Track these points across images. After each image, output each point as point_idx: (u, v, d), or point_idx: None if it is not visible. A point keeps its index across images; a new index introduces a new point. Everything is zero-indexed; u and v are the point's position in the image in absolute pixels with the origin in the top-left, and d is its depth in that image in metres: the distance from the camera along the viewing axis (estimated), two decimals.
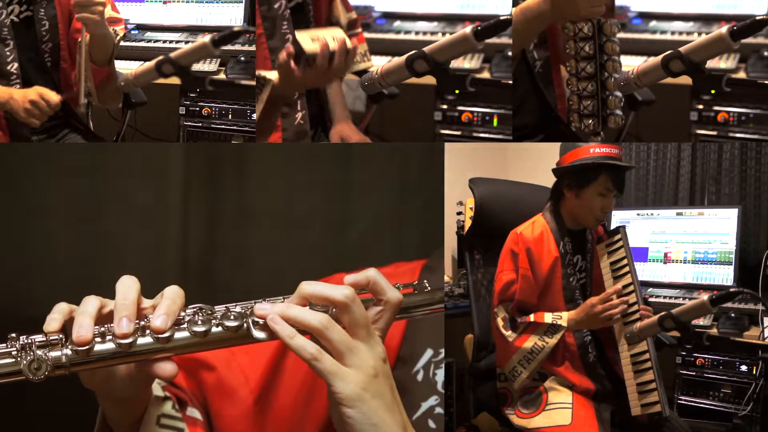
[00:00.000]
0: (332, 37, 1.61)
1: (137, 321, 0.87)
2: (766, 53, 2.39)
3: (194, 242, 1.77)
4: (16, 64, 2.04)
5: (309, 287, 0.91)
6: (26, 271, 1.72)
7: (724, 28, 1.61)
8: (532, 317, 1.92)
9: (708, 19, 2.59)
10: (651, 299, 2.94)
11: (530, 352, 1.90)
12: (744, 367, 2.67)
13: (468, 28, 1.58)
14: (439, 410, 1.13)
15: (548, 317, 1.90)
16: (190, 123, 2.84)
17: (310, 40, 1.60)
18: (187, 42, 2.93)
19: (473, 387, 2.19)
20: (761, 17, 1.61)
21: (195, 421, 1.07)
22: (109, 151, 1.97)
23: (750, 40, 2.18)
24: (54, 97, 1.96)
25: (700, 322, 2.74)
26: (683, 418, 2.65)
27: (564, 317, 1.89)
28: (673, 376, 2.79)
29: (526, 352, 1.90)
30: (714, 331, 2.74)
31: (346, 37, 1.62)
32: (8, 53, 2.03)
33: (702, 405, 2.75)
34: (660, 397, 1.82)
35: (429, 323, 1.16)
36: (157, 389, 1.04)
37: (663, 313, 1.84)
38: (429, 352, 1.16)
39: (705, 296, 1.80)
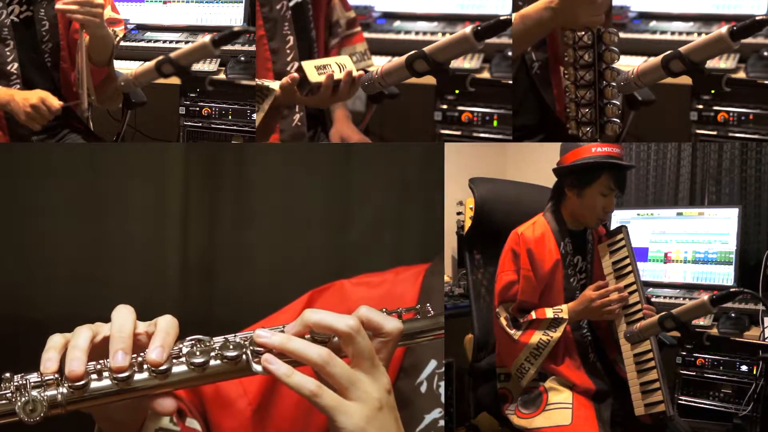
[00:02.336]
0: (339, 66, 1.62)
1: (134, 356, 0.84)
2: (766, 53, 2.39)
3: (194, 242, 1.77)
4: (16, 64, 2.03)
5: (313, 315, 0.88)
6: (26, 271, 1.71)
7: (724, 28, 1.61)
8: (533, 314, 1.92)
9: (708, 19, 2.58)
10: (651, 299, 2.94)
11: (536, 348, 1.91)
12: (744, 367, 2.66)
13: (468, 28, 1.58)
14: (441, 423, 1.13)
15: (549, 312, 1.91)
16: (190, 123, 2.84)
17: (315, 71, 1.61)
18: (187, 42, 2.92)
19: (473, 387, 2.19)
20: (761, 17, 1.61)
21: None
22: (109, 151, 1.97)
23: (750, 40, 2.18)
24: (55, 102, 1.96)
25: (701, 322, 2.74)
26: (683, 418, 2.65)
27: (565, 309, 1.90)
28: (673, 376, 2.79)
29: (532, 348, 1.91)
30: (714, 331, 2.74)
31: (353, 68, 1.64)
32: (8, 53, 2.03)
33: (702, 405, 2.75)
34: (664, 396, 1.82)
35: None
36: None
37: (663, 313, 1.84)
38: (433, 363, 1.15)
39: (705, 296, 1.80)
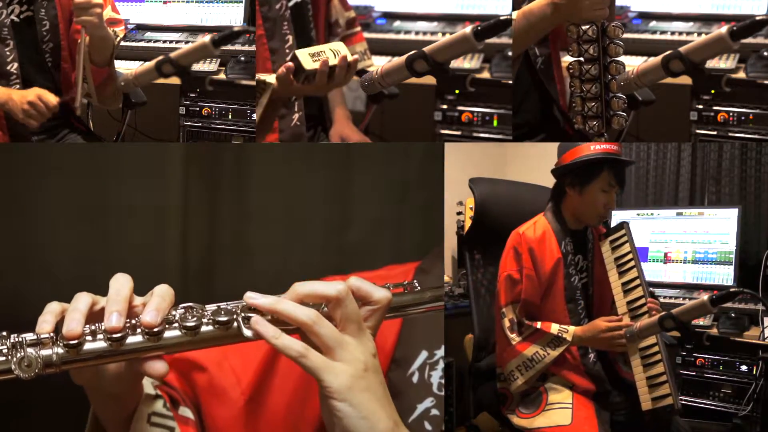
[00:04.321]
0: (333, 52, 1.62)
1: (128, 319, 0.87)
2: (765, 53, 2.39)
3: (194, 242, 1.77)
4: (16, 64, 2.04)
5: (302, 287, 0.92)
6: (26, 271, 1.71)
7: (724, 28, 1.61)
8: (539, 324, 1.92)
9: (708, 19, 2.59)
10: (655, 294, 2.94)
11: (530, 360, 1.90)
12: (744, 367, 2.67)
13: (468, 28, 1.58)
14: (435, 412, 1.13)
15: (554, 328, 1.90)
16: (190, 123, 2.84)
17: (310, 58, 1.61)
18: (187, 42, 2.93)
19: (473, 387, 2.19)
20: (761, 17, 1.61)
21: (187, 420, 1.07)
22: (109, 151, 1.97)
23: (750, 40, 2.18)
24: (52, 99, 1.96)
25: (700, 322, 2.74)
26: (683, 418, 2.65)
27: (570, 332, 1.89)
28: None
29: (525, 359, 1.91)
30: (714, 331, 2.74)
31: (348, 53, 1.63)
32: (8, 53, 2.03)
33: (702, 405, 2.75)
34: (671, 389, 1.81)
35: (424, 325, 1.16)
36: (148, 387, 1.04)
37: (663, 313, 1.84)
38: (424, 354, 1.16)
39: (705, 296, 1.80)
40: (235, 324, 0.89)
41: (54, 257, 1.71)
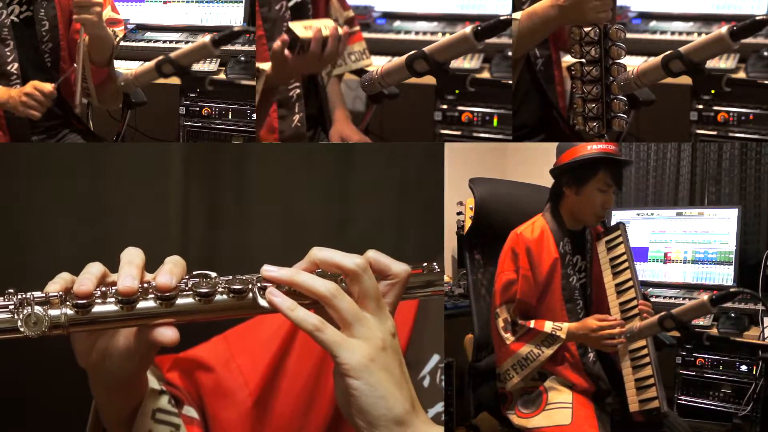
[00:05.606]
0: (324, 25, 1.63)
1: (140, 284, 0.84)
2: (766, 53, 2.39)
3: (194, 242, 1.77)
4: (16, 64, 2.04)
5: (320, 253, 0.88)
6: (26, 271, 1.71)
7: (724, 28, 1.61)
8: (532, 323, 1.92)
9: (708, 19, 2.59)
10: (651, 299, 2.94)
11: (524, 359, 1.90)
12: (744, 367, 2.67)
13: (468, 28, 1.58)
14: (443, 418, 1.12)
15: (548, 326, 1.90)
16: (190, 123, 2.84)
17: (303, 28, 1.62)
18: (187, 42, 2.92)
19: (473, 387, 2.19)
20: (761, 17, 1.61)
21: (192, 420, 1.05)
22: (109, 151, 1.97)
23: (750, 40, 2.18)
24: (47, 86, 1.96)
25: (700, 322, 2.74)
26: (683, 418, 2.65)
27: (564, 329, 1.89)
28: (673, 376, 2.79)
29: (520, 358, 1.91)
30: (714, 331, 2.74)
31: (338, 26, 1.65)
32: (8, 53, 2.03)
33: (702, 405, 2.76)
34: (658, 392, 1.82)
35: (435, 329, 1.15)
36: (153, 382, 1.01)
37: (663, 313, 1.84)
38: (435, 358, 1.15)
39: (705, 296, 1.80)
40: (251, 294, 0.86)
41: (54, 257, 1.71)
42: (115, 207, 1.74)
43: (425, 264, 0.96)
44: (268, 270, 0.87)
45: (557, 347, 1.88)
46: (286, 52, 1.62)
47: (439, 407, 1.12)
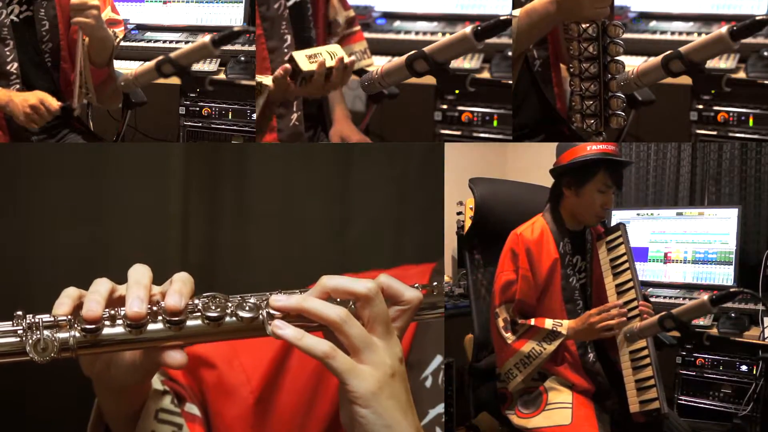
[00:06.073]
0: (330, 54, 1.62)
1: (149, 306, 0.84)
2: (766, 53, 2.39)
3: (194, 242, 1.77)
4: (16, 64, 2.03)
5: (331, 281, 0.87)
6: (26, 271, 1.71)
7: (724, 28, 1.61)
8: (532, 321, 1.92)
9: (708, 19, 2.59)
10: (651, 299, 2.94)
11: (527, 357, 1.90)
12: (744, 367, 2.67)
13: (468, 28, 1.58)
14: (444, 419, 1.12)
15: (548, 323, 1.90)
16: (190, 123, 2.84)
17: (307, 60, 1.61)
18: (187, 42, 2.92)
19: (473, 387, 2.19)
20: (761, 17, 1.61)
21: (194, 417, 1.05)
22: (109, 151, 1.97)
23: (750, 40, 2.18)
24: (54, 103, 1.96)
25: (700, 322, 2.74)
26: (683, 418, 2.65)
27: (564, 325, 1.89)
28: (673, 376, 2.79)
29: (523, 356, 1.91)
30: (714, 331, 2.74)
31: (345, 54, 1.64)
32: (8, 53, 2.03)
33: (702, 405, 2.75)
34: (659, 393, 1.82)
35: (437, 329, 1.15)
36: (156, 382, 1.01)
37: (663, 313, 1.84)
38: (438, 359, 1.15)
39: (705, 296, 1.80)
40: (260, 318, 0.85)
41: (54, 257, 1.71)
42: (115, 207, 1.74)
43: (434, 284, 0.95)
44: (277, 300, 0.86)
45: (559, 343, 1.88)
46: (288, 79, 1.62)
47: (441, 408, 1.12)
